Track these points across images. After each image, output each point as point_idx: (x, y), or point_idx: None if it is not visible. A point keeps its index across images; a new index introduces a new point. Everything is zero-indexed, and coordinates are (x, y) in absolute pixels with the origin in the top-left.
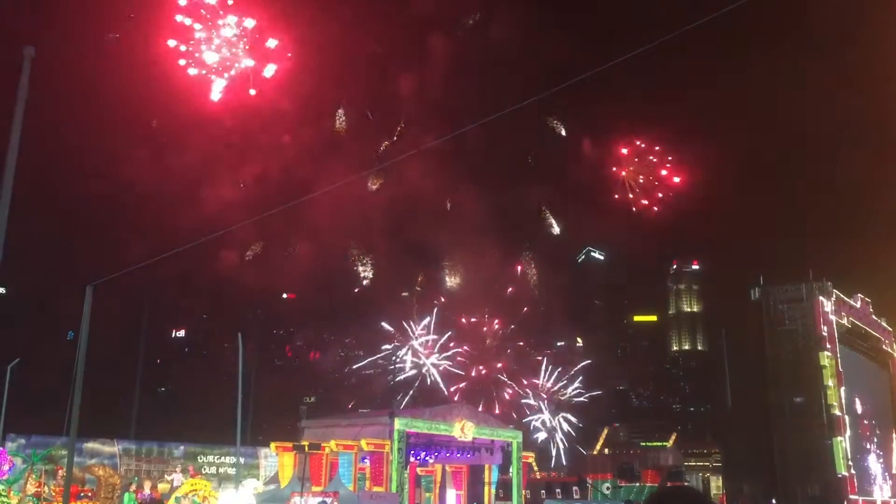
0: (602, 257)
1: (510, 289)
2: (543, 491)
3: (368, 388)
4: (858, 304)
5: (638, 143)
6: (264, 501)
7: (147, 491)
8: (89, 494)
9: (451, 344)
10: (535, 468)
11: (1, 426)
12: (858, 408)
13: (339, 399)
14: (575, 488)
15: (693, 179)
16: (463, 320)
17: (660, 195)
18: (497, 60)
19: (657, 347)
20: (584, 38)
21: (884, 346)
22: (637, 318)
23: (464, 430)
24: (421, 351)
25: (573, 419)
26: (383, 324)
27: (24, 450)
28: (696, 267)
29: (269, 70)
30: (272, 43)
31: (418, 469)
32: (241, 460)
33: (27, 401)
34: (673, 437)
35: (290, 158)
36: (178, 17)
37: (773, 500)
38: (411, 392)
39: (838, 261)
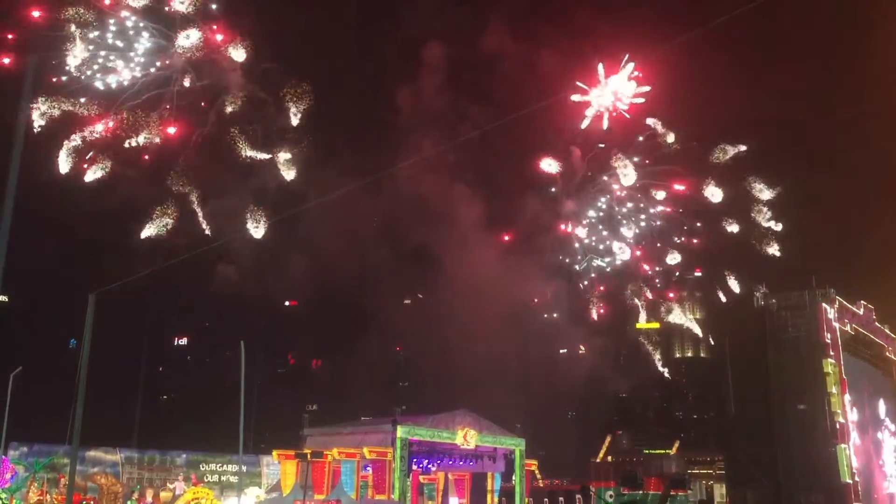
0: (604, 264)
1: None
2: (546, 499)
3: (371, 395)
4: (862, 311)
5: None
6: None
7: (149, 499)
8: (91, 503)
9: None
10: (538, 476)
11: (3, 434)
12: (858, 415)
13: (342, 407)
14: (578, 496)
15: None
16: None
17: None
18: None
19: (660, 354)
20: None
21: (887, 354)
22: (640, 325)
23: (466, 437)
24: None
25: None
26: None
27: (26, 458)
28: (698, 274)
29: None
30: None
31: (421, 477)
32: (244, 468)
33: (29, 409)
34: (676, 445)
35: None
36: None
37: None
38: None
39: (841, 268)
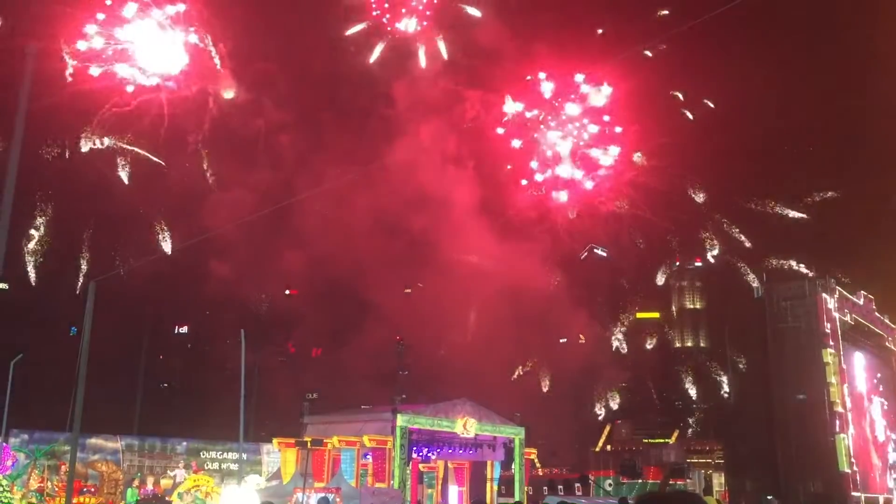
0: (605, 254)
1: None
2: (546, 487)
3: (371, 384)
4: (862, 301)
5: None
6: (267, 497)
7: (150, 487)
8: (92, 490)
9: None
10: (538, 464)
11: (4, 421)
12: (857, 405)
13: (342, 395)
14: (577, 485)
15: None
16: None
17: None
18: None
19: (660, 344)
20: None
21: (887, 343)
22: (640, 315)
23: (466, 426)
24: None
25: None
26: None
27: (27, 445)
28: (698, 264)
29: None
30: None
31: (420, 465)
32: (244, 456)
33: (30, 396)
34: (675, 434)
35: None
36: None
37: (769, 497)
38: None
39: (841, 257)
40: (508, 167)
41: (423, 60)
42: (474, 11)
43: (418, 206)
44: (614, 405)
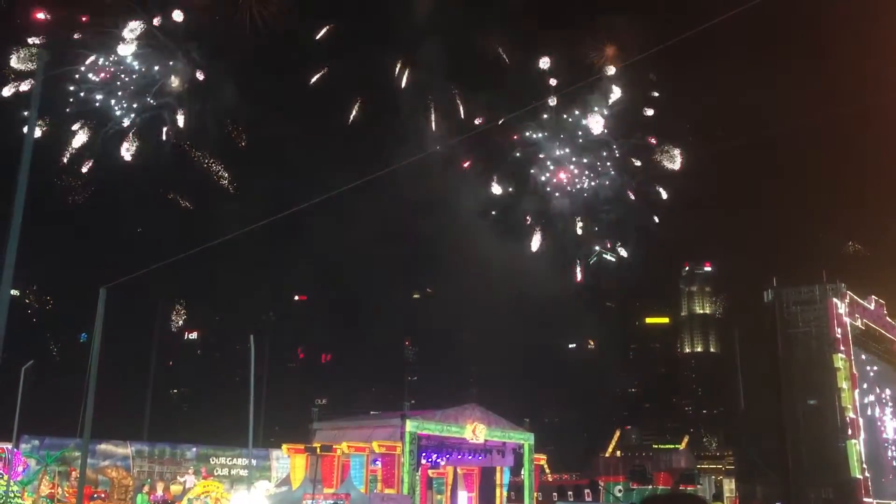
0: (614, 259)
1: None
2: (555, 493)
3: (380, 389)
4: (872, 306)
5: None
6: (276, 503)
7: (160, 492)
8: (102, 496)
9: None
10: (547, 470)
11: (15, 428)
12: (869, 410)
13: (351, 401)
14: (587, 491)
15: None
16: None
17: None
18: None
19: (669, 349)
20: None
21: None
22: (649, 320)
23: (475, 432)
24: None
25: None
26: None
27: (37, 451)
28: (708, 269)
29: None
30: None
31: (430, 471)
32: (254, 462)
33: (41, 403)
34: (685, 440)
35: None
36: None
37: (778, 503)
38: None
39: (852, 262)
40: (493, 213)
41: (433, 124)
42: (504, 57)
43: (425, 212)
44: (623, 410)
